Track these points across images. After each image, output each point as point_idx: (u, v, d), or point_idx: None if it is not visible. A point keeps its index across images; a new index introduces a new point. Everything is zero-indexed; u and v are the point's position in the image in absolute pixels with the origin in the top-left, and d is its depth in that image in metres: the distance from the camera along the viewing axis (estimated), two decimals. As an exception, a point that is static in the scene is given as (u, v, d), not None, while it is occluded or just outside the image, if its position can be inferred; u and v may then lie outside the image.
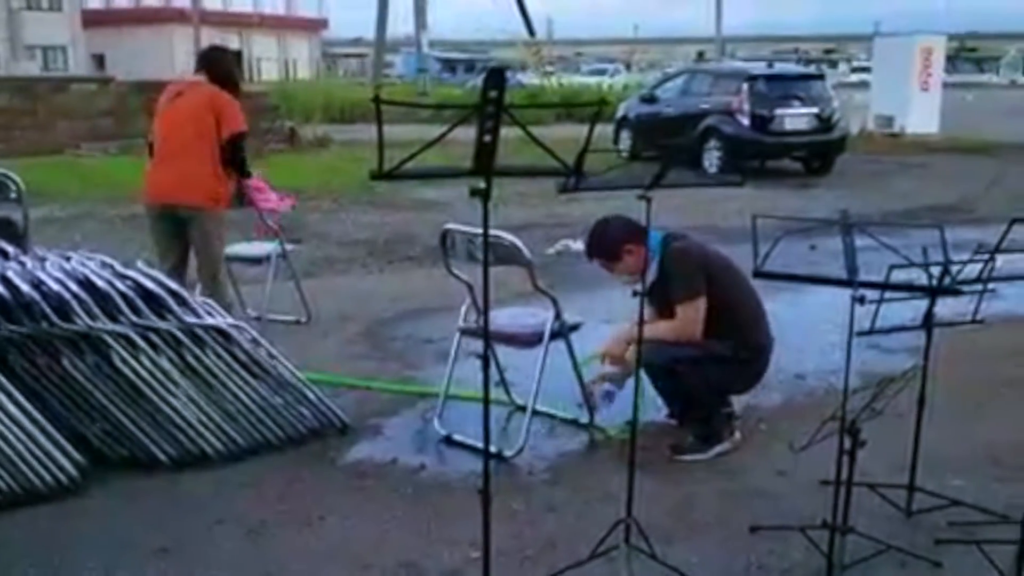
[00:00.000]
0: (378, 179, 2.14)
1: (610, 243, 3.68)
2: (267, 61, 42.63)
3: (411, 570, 2.88)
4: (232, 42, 42.19)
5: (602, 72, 38.87)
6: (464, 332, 3.99)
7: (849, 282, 2.66)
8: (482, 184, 2.17)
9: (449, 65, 42.81)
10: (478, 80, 34.40)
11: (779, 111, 12.70)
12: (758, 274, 2.87)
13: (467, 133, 2.18)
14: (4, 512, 3.16)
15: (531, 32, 3.17)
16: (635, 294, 2.96)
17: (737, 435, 3.78)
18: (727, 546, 3.03)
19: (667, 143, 12.98)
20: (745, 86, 12.82)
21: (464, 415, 3.99)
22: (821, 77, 14.42)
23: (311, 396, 3.88)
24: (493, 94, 2.00)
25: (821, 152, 13.24)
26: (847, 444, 2.69)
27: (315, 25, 50.81)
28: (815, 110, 12.95)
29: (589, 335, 4.12)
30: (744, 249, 3.21)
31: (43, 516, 3.18)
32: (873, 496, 3.13)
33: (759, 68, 14.76)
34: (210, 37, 37.20)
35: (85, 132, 16.02)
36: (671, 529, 3.09)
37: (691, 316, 3.59)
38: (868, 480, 3.08)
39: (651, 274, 3.59)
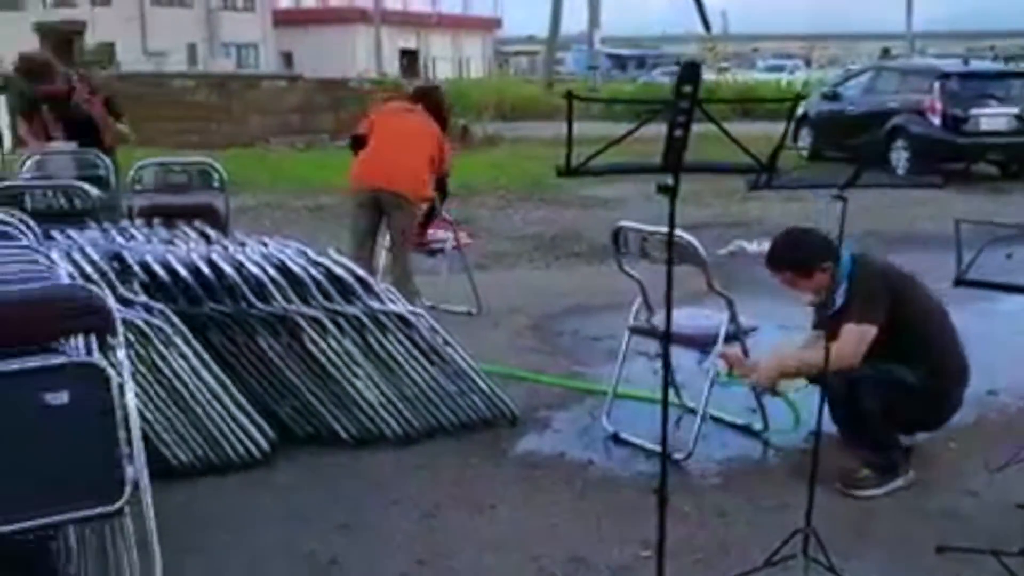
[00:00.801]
0: (565, 175, 2.16)
1: (806, 256, 3.40)
2: (442, 60, 43.77)
3: (580, 564, 2.89)
4: (410, 41, 43.73)
5: (780, 68, 37.53)
6: (635, 331, 3.97)
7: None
8: (670, 180, 2.15)
9: (620, 62, 42.59)
10: (650, 76, 34.16)
11: (974, 111, 11.88)
12: (961, 282, 2.69)
13: (651, 131, 2.16)
14: (199, 478, 3.39)
15: (707, 27, 3.10)
16: (813, 306, 2.84)
17: (912, 474, 3.40)
18: (911, 565, 2.88)
19: (851, 143, 12.44)
20: (937, 84, 12.08)
21: (632, 414, 3.98)
22: (1022, 75, 13.40)
23: (483, 385, 3.96)
24: (687, 88, 1.97)
25: (1020, 155, 12.32)
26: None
27: (489, 24, 51.76)
28: (1015, 110, 12.04)
29: (763, 340, 4.00)
30: (938, 257, 3.03)
31: (234, 485, 3.39)
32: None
33: (953, 65, 13.86)
34: (390, 36, 38.79)
35: (274, 126, 17.01)
36: (850, 544, 2.96)
37: (852, 341, 3.24)
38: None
39: (839, 296, 3.30)
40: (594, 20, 32.97)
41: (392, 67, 37.05)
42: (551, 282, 6.83)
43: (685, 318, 3.88)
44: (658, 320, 3.90)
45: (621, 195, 10.05)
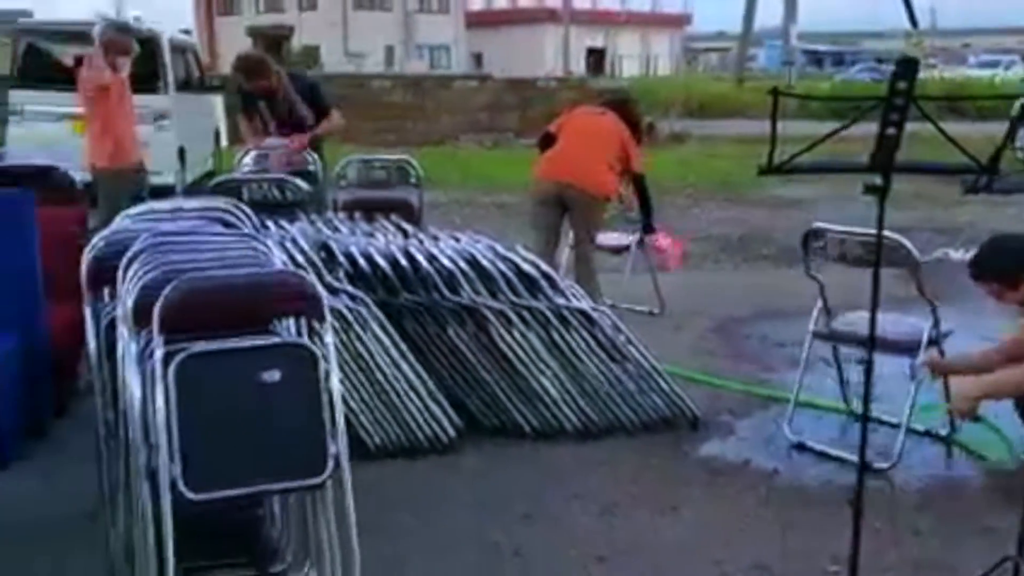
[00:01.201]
0: (767, 173, 2.10)
1: (1012, 266, 3.18)
2: (629, 58, 43.54)
3: (764, 573, 2.81)
4: (597, 40, 43.77)
5: (994, 64, 34.87)
6: (818, 336, 3.81)
7: None
8: (878, 180, 2.05)
9: (815, 58, 40.91)
10: (848, 73, 32.63)
11: None
12: None
13: (853, 130, 2.07)
14: (392, 459, 3.55)
15: (913, 23, 2.92)
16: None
17: None
18: None
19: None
20: None
21: (816, 423, 3.87)
22: None
23: (665, 386, 3.92)
24: (902, 85, 1.87)
25: None
26: None
27: (679, 20, 51.02)
28: None
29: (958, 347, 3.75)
30: None
31: (422, 468, 3.52)
32: None
33: None
34: (578, 35, 38.97)
35: (464, 125, 17.50)
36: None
37: None
38: None
39: None
40: (790, 14, 31.81)
41: (579, 66, 37.25)
42: (737, 284, 6.66)
43: (886, 323, 3.69)
44: (840, 323, 3.77)
45: (814, 196, 9.67)
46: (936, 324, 3.55)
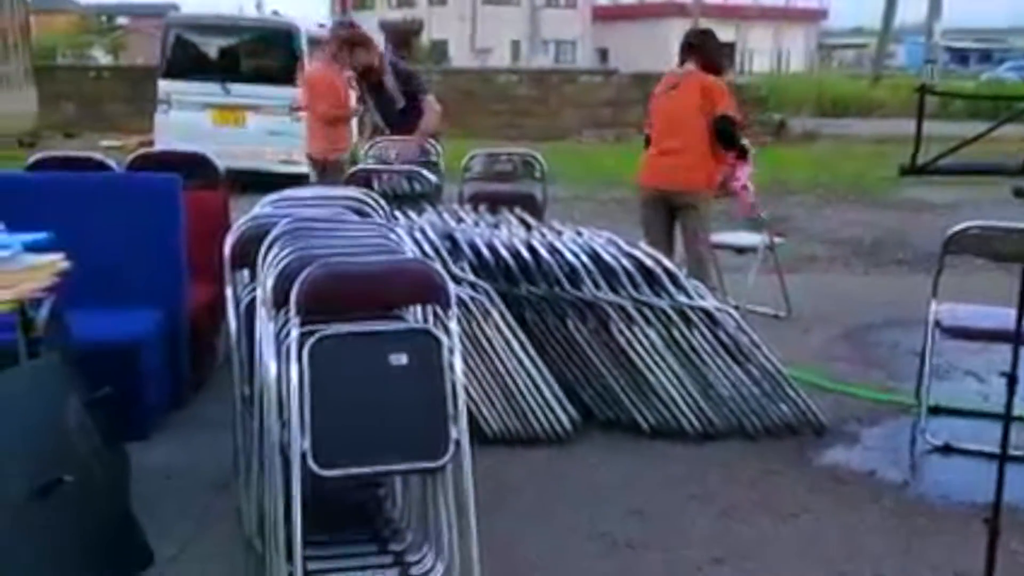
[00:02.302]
0: (910, 174, 2.03)
1: None
2: (759, 53, 42.47)
3: (888, 586, 2.72)
4: (728, 34, 42.82)
5: None
6: (945, 330, 3.71)
7: None
8: (1031, 183, 1.95)
9: (960, 55, 38.94)
10: (995, 72, 30.91)
11: None
12: None
13: (1002, 131, 1.97)
14: (509, 447, 3.59)
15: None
16: None
17: None
18: None
19: None
20: None
21: (958, 429, 3.75)
22: None
23: (790, 391, 3.82)
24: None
25: None
26: None
27: (814, 15, 49.42)
28: None
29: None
30: None
31: (538, 457, 3.55)
32: None
33: None
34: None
35: (587, 120, 17.46)
36: None
37: None
38: None
39: None
40: (935, 9, 30.33)
41: (707, 61, 36.51)
42: (869, 290, 6.43)
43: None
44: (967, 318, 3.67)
45: (953, 200, 9.21)
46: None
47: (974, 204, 8.66)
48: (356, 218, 3.12)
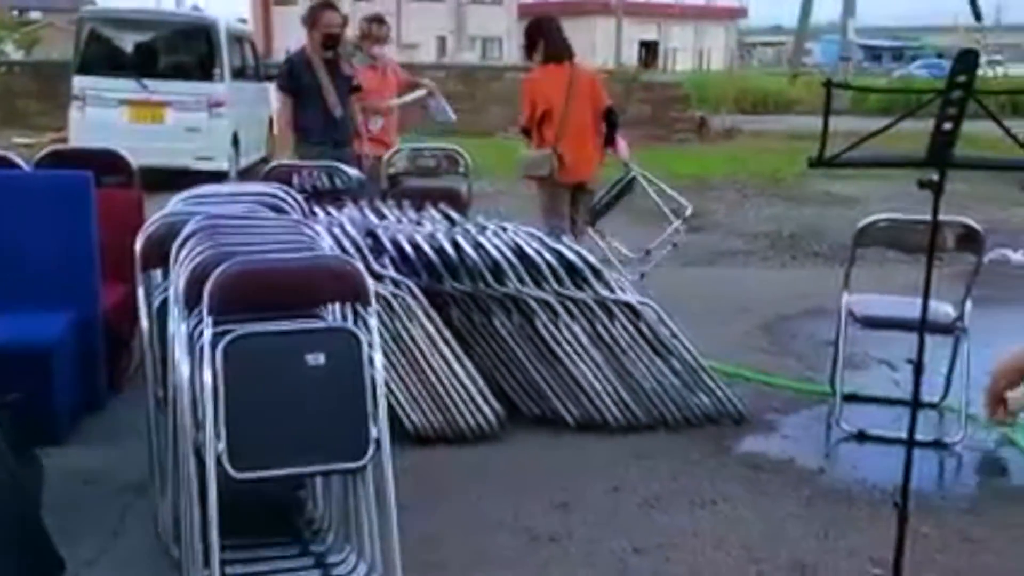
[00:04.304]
0: (817, 166, 2.07)
1: None
2: (681, 51, 43.14)
3: (804, 572, 2.78)
4: (650, 32, 43.41)
5: (1060, 62, 33.94)
6: (857, 319, 3.86)
7: None
8: (934, 176, 2.01)
9: (873, 53, 40.18)
10: (907, 69, 31.99)
11: None
12: None
13: (909, 126, 2.03)
14: (433, 445, 3.57)
15: (977, 17, 2.85)
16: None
17: None
18: None
19: None
20: None
21: (871, 416, 3.84)
22: None
23: (710, 382, 3.89)
24: (961, 78, 1.83)
25: None
26: None
27: (733, 13, 50.41)
28: None
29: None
30: None
31: (462, 454, 3.54)
32: None
33: None
34: (630, 28, 38.65)
35: (514, 116, 17.43)
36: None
37: None
38: None
39: None
40: (849, 7, 31.24)
41: (631, 58, 36.97)
42: (786, 282, 6.58)
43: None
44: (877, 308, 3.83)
45: (865, 193, 9.52)
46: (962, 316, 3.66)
47: (885, 197, 8.94)
48: (272, 215, 3.07)
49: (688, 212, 6.18)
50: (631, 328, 3.86)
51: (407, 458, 3.33)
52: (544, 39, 5.23)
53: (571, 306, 3.81)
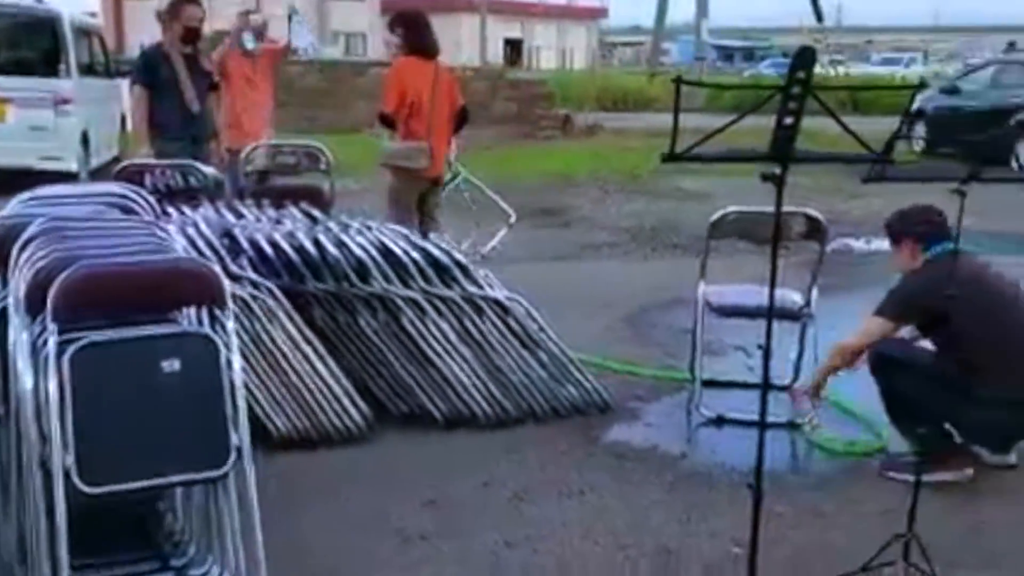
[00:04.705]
0: (669, 161, 2.14)
1: (898, 226, 3.43)
2: (546, 50, 43.74)
3: (668, 556, 2.87)
4: (514, 30, 43.80)
5: (895, 62, 36.22)
6: (712, 308, 4.03)
7: None
8: (776, 170, 2.11)
9: (726, 53, 41.86)
10: (757, 68, 33.47)
11: (1107, 108, 11.29)
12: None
13: (759, 122, 2.12)
14: (299, 449, 3.50)
15: (819, 18, 3.00)
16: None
17: (969, 471, 3.34)
18: (1020, 581, 2.76)
19: (970, 139, 11.97)
20: (1067, 80, 11.51)
21: (729, 401, 3.99)
22: None
23: (576, 373, 3.96)
24: (800, 74, 1.92)
25: None
26: None
27: (595, 13, 51.44)
28: None
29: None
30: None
31: (329, 457, 3.49)
32: None
33: (1085, 60, 13.17)
34: (494, 26, 38.87)
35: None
36: (956, 555, 2.85)
37: (861, 330, 3.39)
38: None
39: (901, 279, 3.38)
40: (702, 9, 32.42)
41: (496, 56, 37.22)
42: (647, 274, 6.77)
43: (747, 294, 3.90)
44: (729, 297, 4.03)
45: (718, 188, 9.88)
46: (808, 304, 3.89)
47: (739, 191, 9.32)
48: (121, 216, 2.93)
49: (512, 219, 6.29)
50: (500, 324, 3.89)
51: (272, 464, 3.26)
52: (412, 32, 5.20)
53: (439, 303, 3.80)
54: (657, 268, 6.98)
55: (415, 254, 3.84)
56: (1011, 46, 24.14)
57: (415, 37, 5.17)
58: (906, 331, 3.46)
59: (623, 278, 6.59)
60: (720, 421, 3.88)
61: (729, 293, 4.06)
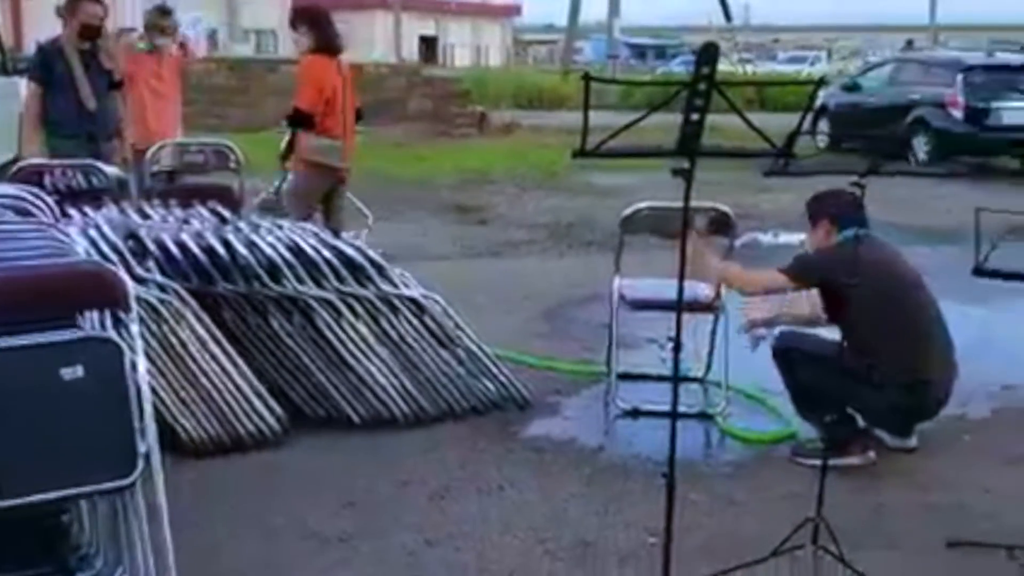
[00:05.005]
0: (580, 157, 2.15)
1: (816, 208, 3.59)
2: (460, 47, 43.65)
3: (586, 549, 2.90)
4: (428, 28, 43.59)
5: (801, 60, 37.27)
6: (625, 302, 4.11)
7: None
8: (685, 164, 2.14)
9: (639, 51, 42.46)
10: (668, 66, 33.98)
11: (997, 104, 11.80)
12: (979, 272, 2.67)
13: (662, 120, 2.16)
14: (212, 456, 3.42)
15: (728, 17, 3.07)
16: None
17: (872, 455, 3.48)
18: (922, 560, 2.87)
19: (870, 134, 12.40)
20: (960, 77, 12.00)
21: (645, 392, 4.05)
22: (1047, 69, 13.30)
23: (495, 370, 3.97)
24: (705, 70, 1.96)
25: (1045, 150, 12.22)
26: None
27: (508, 11, 51.54)
28: (1038, 104, 11.96)
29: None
30: (956, 250, 3.01)
31: (244, 463, 3.42)
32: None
33: (976, 58, 13.76)
34: (409, 23, 38.61)
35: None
36: (861, 536, 2.94)
37: (765, 276, 3.58)
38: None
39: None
40: (614, 8, 32.79)
41: (411, 53, 36.99)
42: (564, 270, 6.82)
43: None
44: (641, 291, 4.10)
45: (632, 184, 10.00)
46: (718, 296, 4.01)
47: (652, 186, 9.46)
48: (17, 218, 2.81)
49: (371, 221, 6.29)
50: (416, 322, 3.86)
51: (183, 471, 3.18)
52: (317, 29, 5.14)
53: (354, 304, 3.76)
54: (574, 264, 7.04)
55: (328, 253, 3.79)
56: (909, 44, 25.10)
57: (321, 34, 5.13)
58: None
59: (540, 274, 6.63)
60: (636, 413, 3.93)
61: (642, 287, 4.12)
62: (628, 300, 4.07)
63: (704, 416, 3.90)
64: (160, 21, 6.02)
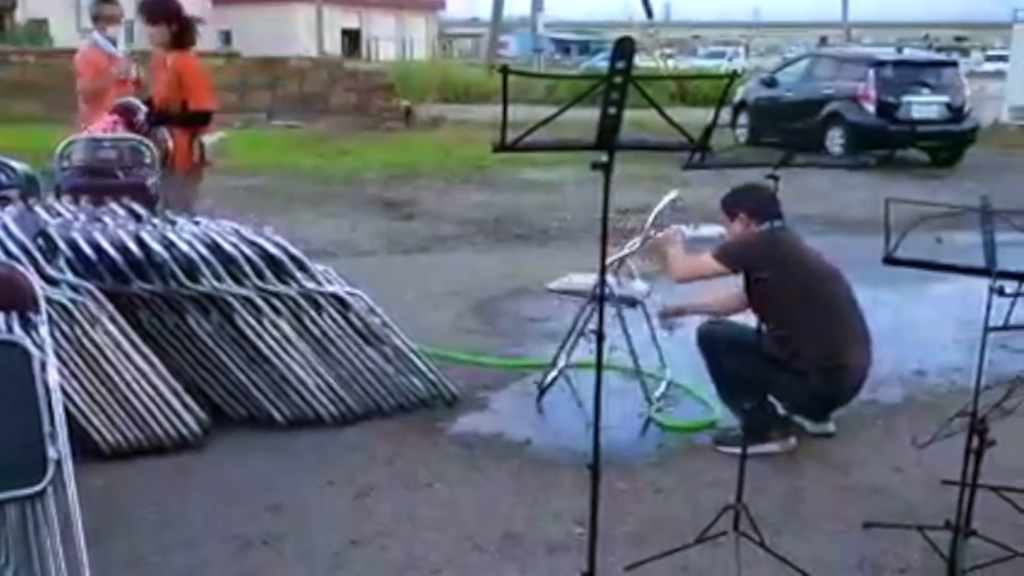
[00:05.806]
0: (501, 151, 2.15)
1: (733, 201, 3.65)
2: (385, 41, 43.24)
3: (515, 541, 2.90)
4: (352, 21, 43.11)
5: (720, 55, 38.02)
6: (552, 291, 4.21)
7: (988, 271, 2.52)
8: (604, 158, 2.15)
9: (563, 46, 42.73)
10: (592, 61, 34.28)
11: (906, 98, 12.19)
12: (889, 260, 2.74)
13: (584, 114, 2.17)
14: (130, 460, 3.32)
15: (649, 14, 3.11)
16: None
17: (793, 440, 3.57)
18: (839, 541, 2.94)
19: (788, 128, 12.69)
20: (871, 72, 12.35)
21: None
22: (953, 64, 13.80)
23: (422, 366, 3.93)
24: (621, 65, 1.97)
25: (950, 143, 12.66)
26: (974, 443, 2.56)
27: (433, 4, 51.28)
28: (945, 99, 12.38)
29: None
30: (868, 240, 3.09)
31: (163, 467, 3.33)
32: (998, 500, 2.98)
33: (886, 53, 14.21)
34: (331, 16, 38.11)
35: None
36: (780, 520, 3.02)
37: (693, 261, 3.66)
38: (992, 483, 2.93)
39: None
40: (537, 3, 32.94)
41: (334, 47, 36.54)
42: (492, 264, 6.81)
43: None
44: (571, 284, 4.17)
45: (559, 178, 10.09)
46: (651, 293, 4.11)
47: (575, 182, 9.54)
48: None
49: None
50: (340, 319, 3.81)
51: (99, 476, 3.09)
52: (180, 25, 5.10)
53: (275, 301, 3.68)
54: (502, 258, 7.03)
55: (248, 250, 3.70)
56: (823, 41, 25.75)
57: (185, 30, 5.10)
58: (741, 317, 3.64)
59: (469, 269, 6.61)
60: (564, 405, 3.94)
61: (574, 281, 4.14)
62: (551, 289, 4.11)
63: (634, 406, 3.93)
64: (107, 11, 5.83)
